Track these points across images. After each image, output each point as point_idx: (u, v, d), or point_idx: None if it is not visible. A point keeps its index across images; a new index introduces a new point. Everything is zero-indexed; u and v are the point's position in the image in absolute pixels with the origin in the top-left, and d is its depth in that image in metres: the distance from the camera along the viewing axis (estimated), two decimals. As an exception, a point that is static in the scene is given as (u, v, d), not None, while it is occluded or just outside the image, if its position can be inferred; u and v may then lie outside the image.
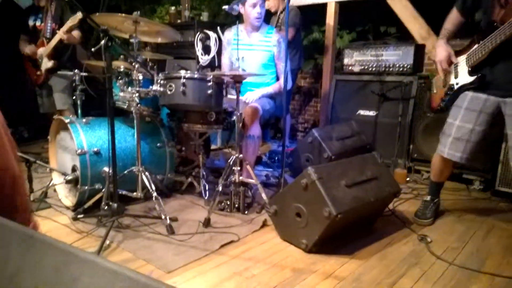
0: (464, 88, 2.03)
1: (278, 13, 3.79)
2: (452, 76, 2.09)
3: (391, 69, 3.40)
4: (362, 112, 3.57)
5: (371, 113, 3.50)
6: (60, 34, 3.10)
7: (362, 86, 3.59)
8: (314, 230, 1.81)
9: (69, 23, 3.02)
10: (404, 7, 3.50)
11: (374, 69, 3.51)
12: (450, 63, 2.09)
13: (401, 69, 3.34)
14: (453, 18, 2.12)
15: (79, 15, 2.81)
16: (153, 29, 2.23)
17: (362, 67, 3.61)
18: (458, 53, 2.08)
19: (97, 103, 3.48)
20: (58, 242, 0.69)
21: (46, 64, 3.35)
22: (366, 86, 3.55)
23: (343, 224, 1.85)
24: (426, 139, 3.16)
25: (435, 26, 3.44)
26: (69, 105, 3.44)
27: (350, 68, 3.71)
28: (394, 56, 3.39)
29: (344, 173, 1.94)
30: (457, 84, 2.06)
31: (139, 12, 2.03)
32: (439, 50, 2.08)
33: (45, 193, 2.48)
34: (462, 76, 2.05)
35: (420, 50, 3.37)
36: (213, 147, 3.86)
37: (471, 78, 2.00)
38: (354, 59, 3.67)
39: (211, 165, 3.48)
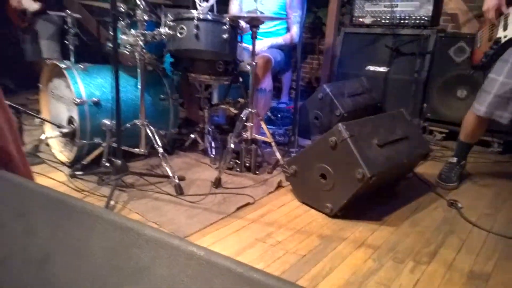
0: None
1: None
2: (501, 29, 1.90)
3: (406, 21, 3.16)
4: (372, 68, 3.36)
5: (382, 69, 3.30)
6: None
7: (373, 39, 3.36)
8: (342, 193, 1.67)
9: None
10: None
11: (387, 21, 3.26)
12: (500, 13, 1.89)
13: (417, 21, 3.11)
14: None
15: None
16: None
17: (375, 18, 3.35)
18: (511, 3, 1.88)
19: (87, 52, 3.16)
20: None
21: (32, 5, 2.97)
22: (378, 39, 3.32)
23: (373, 187, 1.72)
24: (442, 97, 3.01)
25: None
26: (58, 53, 3.13)
27: (360, 19, 3.44)
28: (411, 7, 3.14)
29: (375, 131, 1.78)
30: (505, 37, 1.87)
31: None
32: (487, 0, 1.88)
33: (37, 147, 2.24)
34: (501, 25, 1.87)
35: (438, 1, 3.12)
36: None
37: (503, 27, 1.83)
38: (365, 10, 3.40)
39: (211, 121, 3.27)
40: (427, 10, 3.05)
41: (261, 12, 2.02)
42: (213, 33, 1.95)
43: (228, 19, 1.96)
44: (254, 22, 1.96)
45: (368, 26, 3.39)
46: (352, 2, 3.53)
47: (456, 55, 2.91)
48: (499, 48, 1.88)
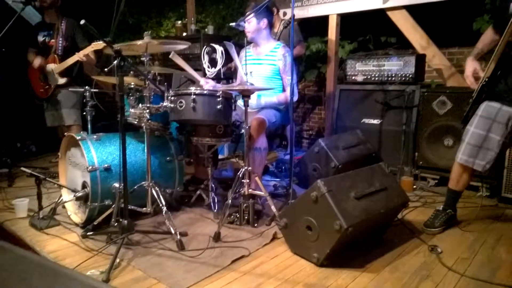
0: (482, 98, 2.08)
1: (276, 31, 3.86)
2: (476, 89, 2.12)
3: (393, 79, 3.45)
4: (366, 120, 3.60)
5: (376, 121, 3.53)
6: (80, 56, 3.15)
7: (366, 95, 3.63)
8: (325, 243, 1.82)
9: (91, 48, 3.07)
10: (404, 18, 3.56)
11: (376, 78, 3.56)
12: (477, 77, 2.12)
13: (403, 78, 3.39)
14: (485, 38, 2.16)
15: (102, 43, 2.86)
16: (160, 46, 2.28)
17: (365, 76, 3.65)
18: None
19: (105, 115, 3.52)
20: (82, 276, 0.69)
21: (58, 80, 3.41)
22: (370, 95, 3.59)
23: (354, 236, 1.86)
24: (430, 147, 3.19)
25: (434, 36, 3.51)
26: (78, 119, 3.49)
27: (353, 77, 3.75)
28: (396, 66, 3.43)
29: (353, 184, 1.96)
30: (472, 97, 2.11)
31: (150, 32, 2.07)
32: (466, 66, 2.13)
33: (54, 209, 2.50)
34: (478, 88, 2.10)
35: (421, 60, 3.42)
36: (220, 157, 3.89)
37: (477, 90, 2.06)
38: (357, 69, 3.72)
39: (219, 176, 3.51)
40: (411, 68, 3.34)
41: (252, 84, 2.32)
42: (209, 105, 2.26)
43: (221, 92, 2.26)
44: (245, 93, 2.25)
45: (360, 83, 3.69)
46: (344, 62, 3.87)
47: (439, 108, 3.13)
48: (473, 104, 2.10)
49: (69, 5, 3.79)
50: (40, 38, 3.50)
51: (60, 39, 3.38)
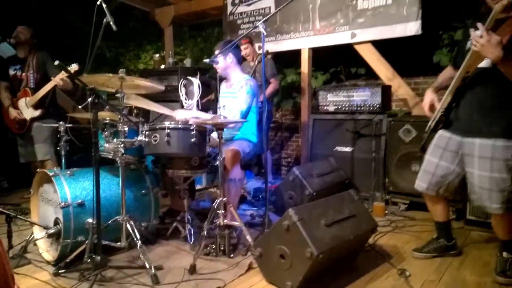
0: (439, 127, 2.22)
1: (253, 64, 4.04)
2: (431, 120, 2.26)
3: (362, 108, 3.63)
4: (339, 148, 3.73)
5: (348, 149, 3.67)
6: (56, 81, 3.13)
7: (338, 124, 3.79)
8: (298, 271, 1.86)
9: (63, 75, 3.08)
10: (370, 52, 3.79)
11: (347, 108, 3.73)
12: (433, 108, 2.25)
13: (371, 108, 3.57)
14: (445, 73, 2.32)
15: (75, 66, 2.89)
16: (136, 83, 2.35)
17: (336, 106, 3.82)
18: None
19: (81, 149, 3.51)
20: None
21: (32, 113, 3.40)
22: (341, 124, 3.74)
23: (325, 263, 1.91)
24: (399, 173, 3.32)
25: (400, 67, 3.75)
26: (51, 154, 3.43)
27: (325, 108, 3.91)
28: (364, 97, 3.62)
29: (323, 212, 2.03)
30: (429, 127, 2.24)
31: (124, 69, 2.14)
32: (425, 96, 2.27)
33: (25, 248, 2.43)
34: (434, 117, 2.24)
35: (387, 91, 3.63)
36: (198, 187, 3.91)
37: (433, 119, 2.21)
38: (329, 100, 3.89)
39: (197, 207, 3.51)
40: (378, 98, 3.53)
41: (225, 117, 2.40)
42: (183, 138, 2.32)
43: (195, 126, 2.33)
44: (218, 126, 2.34)
45: (332, 113, 3.85)
46: (317, 93, 4.04)
47: (404, 136, 3.30)
48: (430, 133, 2.24)
49: (44, 38, 3.85)
50: (11, 72, 3.52)
51: (32, 72, 3.40)
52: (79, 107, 2.01)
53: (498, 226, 2.09)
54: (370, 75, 4.29)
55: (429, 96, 2.23)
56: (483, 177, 1.99)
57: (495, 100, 1.96)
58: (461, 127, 2.08)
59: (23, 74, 3.45)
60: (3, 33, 3.50)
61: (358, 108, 3.64)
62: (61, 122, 2.67)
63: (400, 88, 3.69)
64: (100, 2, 2.40)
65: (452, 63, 2.29)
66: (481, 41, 1.77)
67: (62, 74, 3.08)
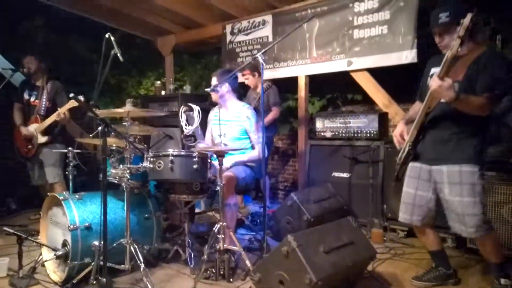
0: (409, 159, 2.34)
1: (258, 91, 4.16)
2: (401, 151, 2.39)
3: (359, 135, 3.73)
4: (336, 174, 3.82)
5: (345, 175, 3.75)
6: (58, 115, 3.31)
7: (335, 150, 3.88)
8: (297, 296, 1.92)
9: (67, 106, 3.26)
10: (366, 79, 3.93)
11: (344, 134, 3.84)
12: (403, 139, 2.37)
13: (368, 134, 3.67)
14: (415, 107, 2.46)
15: (80, 98, 3.01)
16: (141, 113, 2.46)
17: (333, 133, 3.93)
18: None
19: (84, 172, 3.60)
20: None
21: (40, 139, 3.54)
22: (338, 150, 3.84)
23: (324, 289, 1.97)
24: (397, 199, 3.35)
25: (396, 95, 3.87)
26: (60, 177, 3.58)
27: (322, 134, 4.03)
28: (361, 123, 3.74)
29: (321, 239, 2.10)
30: (400, 159, 2.37)
31: (131, 99, 2.26)
32: (396, 127, 2.41)
33: (34, 268, 2.51)
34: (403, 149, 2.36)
35: (383, 118, 3.74)
36: (197, 210, 3.97)
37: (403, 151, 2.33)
38: (325, 126, 4.01)
39: (196, 230, 3.57)
40: (375, 125, 3.64)
41: (225, 144, 2.50)
42: (186, 165, 2.42)
43: (197, 153, 2.43)
44: (219, 153, 2.44)
45: (329, 139, 3.96)
46: (314, 119, 4.16)
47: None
48: (401, 165, 2.35)
49: (53, 66, 4.01)
50: (26, 96, 3.68)
51: (44, 100, 3.55)
52: (90, 136, 2.11)
53: (484, 249, 2.18)
54: (367, 101, 4.42)
55: (400, 127, 2.37)
56: (455, 202, 2.10)
57: (458, 130, 2.11)
58: (428, 157, 2.22)
59: (36, 100, 3.61)
60: (15, 63, 3.67)
61: (355, 135, 3.75)
62: (69, 148, 2.78)
63: (397, 115, 3.79)
64: (109, 36, 2.52)
65: (418, 98, 2.44)
66: (434, 86, 1.94)
67: (66, 108, 3.25)
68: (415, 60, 3.47)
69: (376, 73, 3.87)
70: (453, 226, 2.19)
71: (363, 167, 3.61)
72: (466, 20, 1.85)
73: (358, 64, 3.88)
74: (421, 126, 2.23)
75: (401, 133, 2.33)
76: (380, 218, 3.43)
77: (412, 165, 2.32)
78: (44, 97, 3.55)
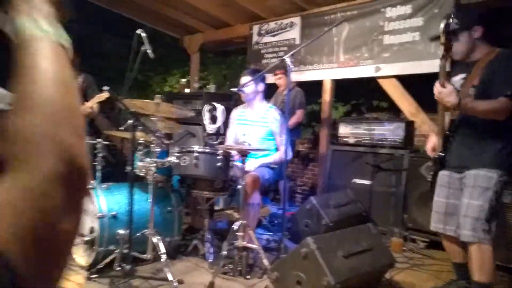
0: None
1: (284, 93, 4.16)
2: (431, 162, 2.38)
3: (383, 143, 3.69)
4: (357, 180, 3.80)
5: (366, 181, 3.73)
6: (85, 108, 3.37)
7: (357, 156, 3.86)
8: (314, 298, 1.94)
9: (96, 99, 3.33)
10: (394, 86, 3.88)
11: (367, 141, 3.81)
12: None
13: (392, 142, 3.63)
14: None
15: (105, 94, 3.10)
16: (170, 109, 2.54)
17: (357, 139, 3.91)
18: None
19: (110, 163, 3.72)
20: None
21: None
22: (361, 156, 3.82)
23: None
24: (420, 210, 3.31)
25: (424, 104, 3.80)
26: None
27: (345, 139, 4.00)
28: (386, 131, 3.70)
29: (341, 243, 2.11)
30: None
31: (161, 95, 2.33)
32: (428, 142, 2.40)
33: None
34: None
35: (410, 126, 3.67)
36: (216, 208, 4.03)
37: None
38: (349, 132, 3.99)
39: (214, 227, 3.62)
40: (400, 133, 3.59)
41: (249, 144, 2.55)
42: (210, 162, 2.48)
43: (221, 151, 2.48)
44: (243, 152, 2.48)
45: (352, 145, 3.93)
46: (337, 124, 4.14)
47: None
48: (433, 176, 2.33)
49: (83, 60, 4.15)
50: None
51: None
52: (121, 128, 2.19)
53: (471, 259, 2.05)
54: (393, 109, 4.38)
55: (432, 141, 2.37)
56: (463, 204, 2.07)
57: (480, 136, 2.08)
58: (455, 164, 2.20)
59: None
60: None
61: (379, 142, 3.72)
62: (99, 140, 2.88)
63: (424, 125, 3.74)
64: (140, 32, 2.59)
65: None
66: (435, 93, 1.99)
67: (94, 101, 3.32)
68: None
69: (404, 80, 3.82)
70: (454, 229, 2.17)
71: (386, 175, 3.58)
72: (441, 26, 1.86)
73: (386, 70, 3.83)
74: (446, 134, 2.21)
75: (434, 147, 2.32)
76: (400, 227, 3.39)
77: (441, 173, 2.29)
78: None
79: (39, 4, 0.47)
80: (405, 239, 3.36)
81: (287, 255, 2.21)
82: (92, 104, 3.40)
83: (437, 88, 1.97)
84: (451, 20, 1.91)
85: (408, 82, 3.80)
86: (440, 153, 2.25)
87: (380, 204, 3.56)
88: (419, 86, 3.83)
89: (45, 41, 0.44)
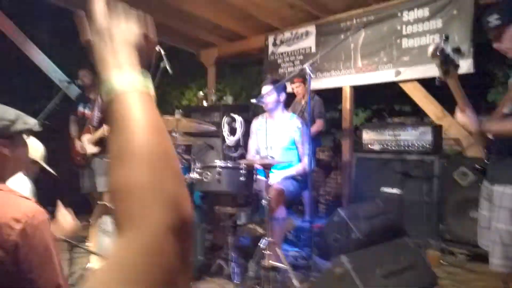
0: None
1: (303, 103, 4.06)
2: None
3: (410, 148, 3.50)
4: (385, 189, 3.60)
5: (395, 190, 3.52)
6: (106, 130, 3.37)
7: (383, 163, 3.67)
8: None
9: None
10: (417, 90, 3.72)
11: (393, 148, 3.62)
12: None
13: (421, 148, 3.43)
14: None
15: None
16: (190, 124, 2.45)
17: (382, 145, 3.72)
18: None
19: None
20: None
21: (91, 149, 3.66)
22: (387, 164, 3.63)
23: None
24: (457, 219, 3.10)
25: (450, 106, 3.62)
26: None
27: (369, 146, 3.83)
28: (413, 136, 3.51)
29: (378, 261, 1.94)
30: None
31: (180, 110, 2.25)
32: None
33: (83, 276, 2.54)
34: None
35: (437, 130, 3.47)
36: (238, 223, 3.89)
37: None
38: (373, 138, 3.81)
39: (238, 243, 3.48)
40: (428, 138, 3.40)
41: (272, 157, 2.42)
42: (233, 177, 2.36)
43: (244, 165, 2.37)
44: (266, 166, 2.35)
45: (377, 152, 3.75)
46: (360, 130, 3.98)
47: (460, 179, 3.10)
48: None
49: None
50: (80, 109, 3.84)
51: (97, 111, 3.66)
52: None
53: None
54: (416, 113, 4.20)
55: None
56: (492, 227, 1.83)
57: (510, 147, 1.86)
58: (490, 174, 1.98)
59: (90, 112, 3.75)
60: (70, 76, 3.86)
61: (406, 148, 3.52)
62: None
63: (452, 128, 3.55)
64: (159, 49, 2.58)
65: None
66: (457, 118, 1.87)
67: None
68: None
69: (428, 82, 3.66)
70: None
71: (416, 182, 3.37)
72: (429, 51, 1.71)
73: (407, 74, 3.71)
74: (486, 143, 2.02)
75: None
76: (437, 239, 3.16)
77: (484, 184, 2.08)
78: (97, 108, 3.66)
79: (125, 55, 0.49)
80: (443, 252, 3.12)
81: (319, 277, 2.06)
82: None
83: (457, 113, 1.85)
84: (445, 43, 1.72)
85: (433, 84, 3.62)
86: (482, 163, 2.06)
87: (412, 214, 3.34)
88: (444, 88, 3.66)
89: (134, 93, 0.46)
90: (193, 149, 4.53)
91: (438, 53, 1.72)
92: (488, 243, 1.86)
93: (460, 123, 1.86)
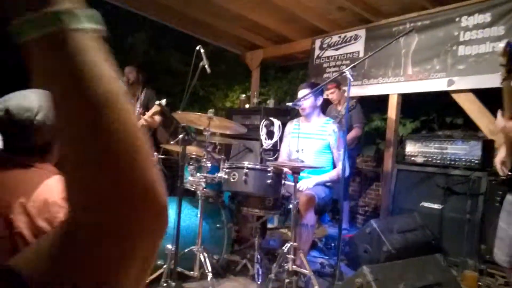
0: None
1: (340, 109, 3.96)
2: None
3: (457, 163, 3.29)
4: (426, 204, 3.42)
5: (436, 206, 3.33)
6: (144, 119, 3.43)
7: (426, 177, 3.49)
8: (368, 337, 1.72)
9: (150, 112, 3.36)
10: (470, 101, 3.48)
11: (438, 161, 3.42)
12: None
13: (468, 163, 3.22)
14: None
15: (162, 103, 3.17)
16: (223, 123, 2.51)
17: (426, 158, 3.54)
18: None
19: (166, 177, 3.80)
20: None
21: None
22: (430, 177, 3.44)
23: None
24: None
25: (505, 120, 3.35)
26: None
27: (412, 158, 3.65)
28: (460, 150, 3.29)
29: (403, 275, 1.86)
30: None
31: (213, 110, 2.32)
32: (498, 154, 2.08)
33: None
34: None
35: (488, 146, 3.23)
36: (269, 226, 3.90)
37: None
38: (417, 150, 3.63)
39: (267, 245, 3.50)
40: (477, 153, 3.17)
41: (302, 161, 2.41)
42: (260, 179, 2.38)
43: (272, 167, 2.37)
44: (295, 170, 2.34)
45: (420, 164, 3.57)
46: (404, 141, 3.81)
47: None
48: None
49: (150, 77, 4.36)
50: None
51: (138, 107, 3.84)
52: (172, 142, 2.21)
53: None
54: (469, 126, 3.93)
55: (502, 153, 2.04)
56: (501, 229, 1.85)
57: None
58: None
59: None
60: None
61: (452, 162, 3.31)
62: (155, 153, 2.94)
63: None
64: (199, 48, 2.65)
65: None
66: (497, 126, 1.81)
67: (151, 113, 3.33)
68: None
69: (482, 94, 3.42)
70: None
71: (460, 199, 3.17)
72: (500, 47, 1.58)
73: (461, 84, 3.47)
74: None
75: (503, 160, 1.99)
76: (476, 259, 2.95)
77: (507, 197, 1.98)
78: (138, 104, 3.85)
79: None
80: (481, 273, 2.91)
81: (340, 285, 2.01)
82: (148, 116, 3.38)
83: (498, 120, 1.76)
84: None
85: (487, 96, 3.39)
86: (510, 173, 1.92)
87: (453, 232, 3.14)
88: (498, 100, 3.40)
89: (92, 33, 0.35)
90: (233, 150, 4.61)
91: (508, 50, 1.62)
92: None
93: (501, 131, 1.74)
